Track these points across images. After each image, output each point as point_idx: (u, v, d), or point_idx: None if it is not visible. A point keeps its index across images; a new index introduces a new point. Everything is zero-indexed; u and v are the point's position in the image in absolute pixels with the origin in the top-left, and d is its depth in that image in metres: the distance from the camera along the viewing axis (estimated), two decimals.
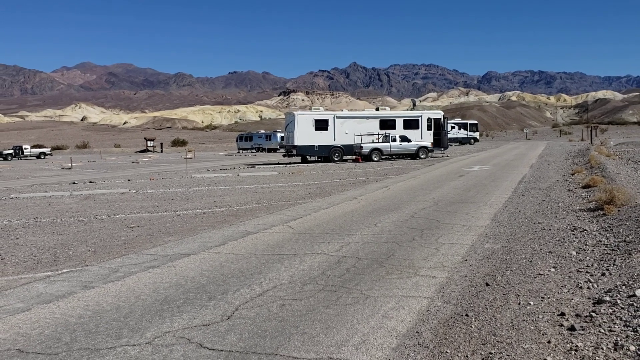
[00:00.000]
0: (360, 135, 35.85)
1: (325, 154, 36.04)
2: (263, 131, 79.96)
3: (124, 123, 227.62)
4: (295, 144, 35.25)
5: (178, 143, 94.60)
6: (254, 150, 69.84)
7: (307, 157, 37.27)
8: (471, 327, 4.92)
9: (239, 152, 69.18)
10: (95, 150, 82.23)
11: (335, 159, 35.80)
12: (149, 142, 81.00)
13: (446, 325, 5.00)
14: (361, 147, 34.67)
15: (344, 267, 7.08)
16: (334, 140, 36.02)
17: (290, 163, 36.35)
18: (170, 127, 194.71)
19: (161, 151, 78.84)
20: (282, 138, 57.43)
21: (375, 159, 34.43)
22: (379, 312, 5.35)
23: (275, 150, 65.46)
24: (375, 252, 7.97)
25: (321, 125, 36.00)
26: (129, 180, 23.74)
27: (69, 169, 37.28)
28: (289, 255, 7.89)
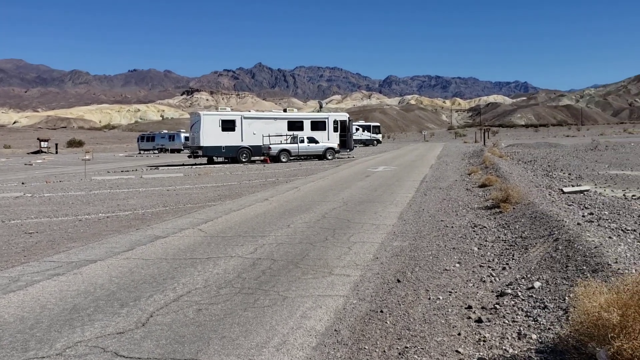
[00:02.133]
0: (269, 136, 35.84)
1: (233, 155, 35.66)
2: (166, 131, 77.52)
3: (14, 122, 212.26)
4: (202, 144, 34.56)
5: (74, 144, 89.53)
6: (156, 151, 67.64)
7: (214, 158, 36.70)
8: (386, 322, 5.11)
9: (140, 153, 66.66)
10: None
11: (243, 160, 35.54)
12: (42, 143, 75.87)
13: (363, 322, 5.15)
14: (269, 148, 34.68)
15: (259, 269, 7.08)
16: (242, 141, 35.73)
17: (196, 164, 35.58)
18: (65, 127, 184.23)
19: (56, 152, 74.23)
20: (186, 138, 56.10)
21: (283, 160, 34.57)
22: (297, 312, 5.41)
23: (179, 151, 63.80)
24: (290, 253, 8.03)
25: (228, 125, 35.57)
26: (22, 183, 22.19)
27: None
28: (202, 259, 7.76)
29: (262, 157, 35.65)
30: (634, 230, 8.05)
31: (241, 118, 36.45)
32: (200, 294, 6.06)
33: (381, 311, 5.42)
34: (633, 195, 12.66)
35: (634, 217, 9.38)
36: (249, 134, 35.98)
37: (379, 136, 71.80)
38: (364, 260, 7.50)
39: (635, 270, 5.09)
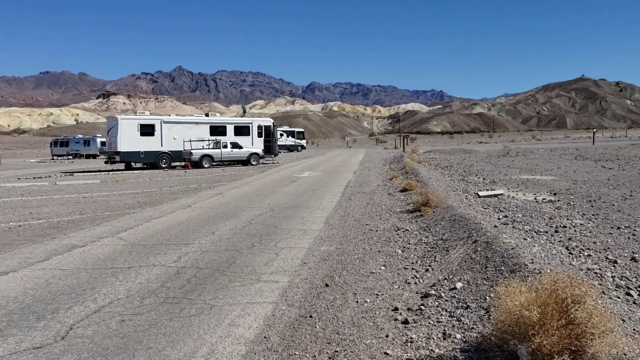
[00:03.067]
0: (190, 141, 35.11)
1: (152, 160, 34.63)
2: (81, 136, 74.14)
3: None
4: (119, 149, 33.33)
5: None
6: (70, 157, 64.57)
7: (132, 163, 35.48)
8: (316, 327, 5.12)
9: (53, 159, 63.42)
10: None
11: (163, 165, 34.61)
12: None
13: (292, 327, 5.14)
14: (191, 153, 33.96)
15: (184, 278, 6.90)
16: (162, 146, 34.79)
17: (113, 170, 34.25)
18: None
19: None
20: (103, 144, 53.95)
21: (206, 165, 33.97)
22: (225, 320, 5.32)
23: (95, 156, 61.28)
24: (216, 260, 7.89)
25: (147, 130, 34.54)
26: None
27: None
28: (123, 269, 7.46)
29: (183, 163, 34.86)
30: (546, 232, 8.53)
31: (161, 122, 35.48)
32: (123, 305, 5.82)
33: (310, 316, 5.43)
34: (543, 199, 13.42)
35: (545, 219, 9.95)
36: (169, 139, 35.11)
37: (303, 142, 72.20)
38: (292, 266, 7.49)
39: (550, 269, 5.40)
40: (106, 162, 36.87)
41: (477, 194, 14.07)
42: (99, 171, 34.17)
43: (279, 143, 48.51)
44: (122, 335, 4.92)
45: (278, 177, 24.66)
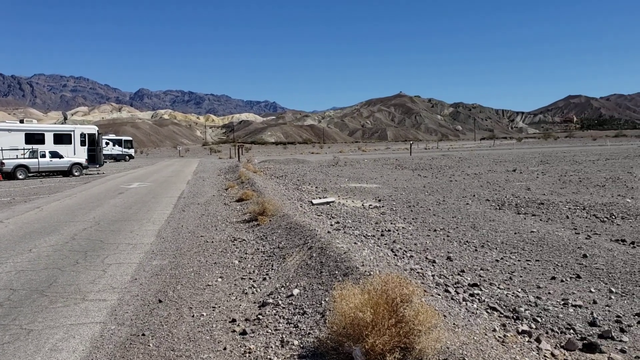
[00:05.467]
0: (1, 150, 31.51)
1: None
2: None
3: None
4: None
5: None
6: None
7: None
8: (149, 345, 4.85)
9: None
10: None
11: None
12: None
13: (123, 348, 4.81)
14: (3, 163, 30.41)
15: None
16: None
17: None
18: None
19: None
20: None
21: (20, 176, 30.66)
22: (45, 345, 4.81)
23: None
24: (34, 280, 7.12)
25: None
26: None
27: None
28: None
29: None
30: (374, 236, 9.07)
31: None
32: None
33: (143, 334, 5.13)
34: (370, 205, 14.28)
35: (372, 224, 10.58)
36: None
37: (132, 151, 68.66)
38: (121, 283, 7.03)
39: (379, 271, 5.73)
40: None
41: (311, 202, 14.55)
42: None
43: (104, 152, 45.63)
44: None
45: (104, 188, 23.11)
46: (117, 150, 64.05)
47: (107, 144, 58.26)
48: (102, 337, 5.07)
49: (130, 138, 71.90)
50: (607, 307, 5.78)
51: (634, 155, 39.30)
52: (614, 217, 11.58)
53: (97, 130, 39.26)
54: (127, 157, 65.36)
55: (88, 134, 37.58)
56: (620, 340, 4.83)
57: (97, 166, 37.81)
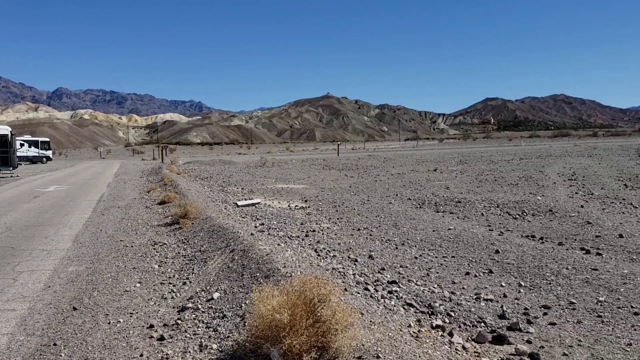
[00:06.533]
0: None
1: None
2: None
3: None
4: None
5: None
6: None
7: None
8: (60, 355, 4.66)
9: None
10: None
11: None
12: None
13: (32, 359, 4.59)
14: None
15: None
16: None
17: None
18: None
19: None
20: None
21: None
22: None
23: None
24: None
25: None
26: None
27: None
28: None
29: None
30: (298, 237, 9.13)
31: None
32: None
33: (54, 344, 4.92)
34: (296, 206, 14.35)
35: (297, 224, 10.64)
36: None
37: (49, 153, 65.39)
38: (33, 291, 6.70)
39: (300, 272, 5.78)
40: None
41: (236, 204, 14.43)
42: None
43: (18, 154, 43.20)
44: None
45: (18, 192, 21.90)
46: (33, 151, 60.84)
47: (22, 145, 55.23)
48: (9, 349, 4.82)
49: (47, 139, 68.53)
50: (516, 300, 6.11)
51: (546, 155, 41.68)
52: (525, 214, 12.24)
53: (10, 131, 37.06)
54: (44, 159, 62.22)
55: (0, 134, 35.47)
56: (527, 332, 5.13)
57: (11, 169, 35.72)
